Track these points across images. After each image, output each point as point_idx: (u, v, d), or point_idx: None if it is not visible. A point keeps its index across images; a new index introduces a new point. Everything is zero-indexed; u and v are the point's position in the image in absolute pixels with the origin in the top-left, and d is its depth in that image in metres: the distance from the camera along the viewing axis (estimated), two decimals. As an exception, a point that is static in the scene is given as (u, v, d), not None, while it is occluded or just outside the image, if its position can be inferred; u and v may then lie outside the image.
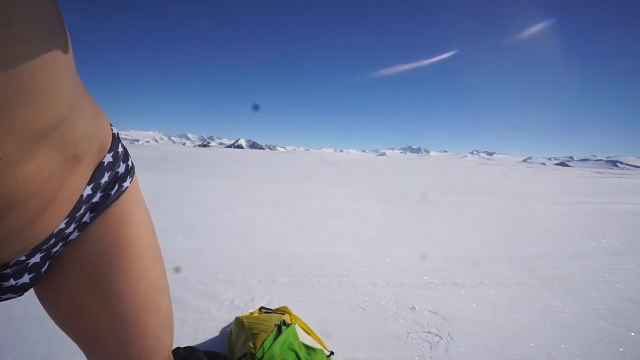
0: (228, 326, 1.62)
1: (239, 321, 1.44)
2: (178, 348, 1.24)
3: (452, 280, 2.41)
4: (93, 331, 0.51)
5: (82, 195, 0.42)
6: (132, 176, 0.52)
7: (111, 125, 0.48)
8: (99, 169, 0.44)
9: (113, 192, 0.48)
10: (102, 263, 0.48)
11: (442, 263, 2.78)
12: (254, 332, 1.30)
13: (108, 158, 0.46)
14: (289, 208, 4.85)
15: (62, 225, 0.41)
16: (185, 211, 4.11)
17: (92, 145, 0.42)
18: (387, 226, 4.17)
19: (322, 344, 1.47)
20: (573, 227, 4.68)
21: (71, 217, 0.42)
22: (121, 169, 0.49)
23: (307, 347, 1.32)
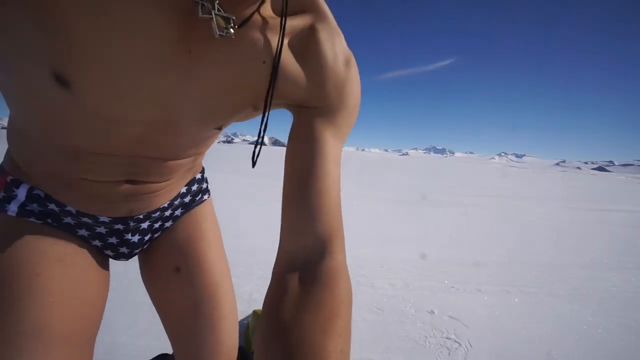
0: (245, 319, 1.66)
1: (256, 314, 1.47)
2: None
3: (474, 287, 2.33)
4: (180, 306, 0.63)
5: (180, 191, 0.63)
6: (209, 195, 0.74)
7: None
8: (193, 180, 0.67)
9: (197, 198, 0.69)
10: (187, 246, 0.64)
11: (463, 267, 2.70)
12: None
13: (198, 176, 0.69)
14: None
15: (165, 206, 0.60)
16: (227, 210, 4.23)
17: (197, 162, 0.62)
18: (406, 228, 4.10)
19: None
20: (604, 237, 4.38)
21: (171, 203, 0.61)
22: (204, 186, 0.72)
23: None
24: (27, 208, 0.48)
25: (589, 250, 3.57)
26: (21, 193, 0.48)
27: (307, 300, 0.33)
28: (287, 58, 0.38)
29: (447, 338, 1.68)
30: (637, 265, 3.12)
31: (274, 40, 0.36)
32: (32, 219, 0.48)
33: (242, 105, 0.41)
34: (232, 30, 0.32)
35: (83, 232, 0.54)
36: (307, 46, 0.39)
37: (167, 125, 0.40)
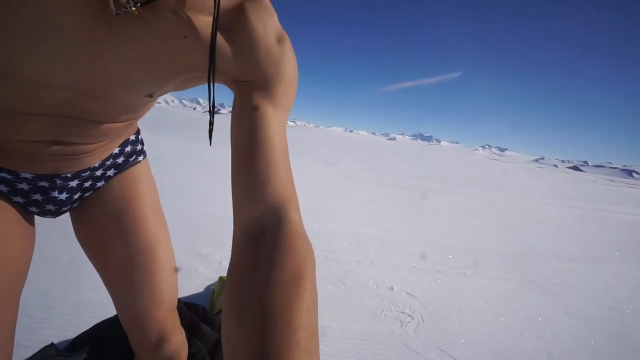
0: (212, 284, 1.72)
1: (222, 280, 1.53)
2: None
3: (435, 268, 2.48)
4: (116, 261, 0.65)
5: (113, 152, 0.64)
6: (145, 156, 0.74)
7: None
8: (127, 142, 0.67)
9: (132, 159, 0.69)
10: (121, 203, 0.66)
11: (428, 250, 2.84)
12: None
13: (132, 137, 0.69)
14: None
15: (96, 166, 0.61)
16: (184, 174, 4.19)
17: (132, 126, 0.64)
18: (380, 210, 4.22)
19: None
20: (566, 230, 4.69)
21: (102, 163, 0.62)
22: (138, 147, 0.71)
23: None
24: None
25: (545, 242, 3.83)
26: None
27: (269, 266, 0.32)
28: (220, 36, 0.39)
29: (402, 312, 1.81)
30: (577, 257, 3.38)
31: (197, 18, 0.37)
32: None
33: (169, 77, 0.42)
34: (133, 8, 0.33)
35: (2, 187, 0.53)
36: (236, 23, 0.40)
37: (93, 91, 0.42)
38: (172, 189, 3.21)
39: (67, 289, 1.47)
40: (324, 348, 1.42)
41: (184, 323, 1.15)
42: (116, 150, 0.64)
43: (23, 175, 0.53)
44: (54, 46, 0.35)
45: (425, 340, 1.58)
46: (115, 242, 0.64)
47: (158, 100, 0.59)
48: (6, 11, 0.31)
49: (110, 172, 0.66)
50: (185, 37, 0.38)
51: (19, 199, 0.56)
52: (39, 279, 1.48)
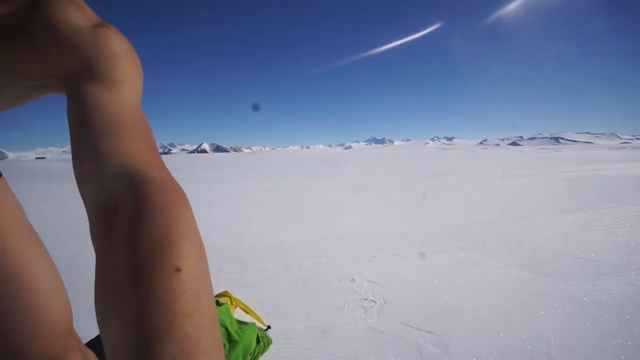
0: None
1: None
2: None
3: (393, 253, 2.58)
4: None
5: None
6: (1, 175, 0.62)
7: None
8: None
9: None
10: None
11: (384, 239, 2.96)
12: (244, 324, 1.34)
13: None
14: (243, 204, 4.85)
15: None
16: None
17: None
18: (335, 213, 4.32)
19: (259, 320, 1.54)
20: (508, 196, 5.14)
21: None
22: None
23: (240, 322, 1.38)
24: None
25: (495, 209, 4.16)
26: None
27: (129, 236, 0.27)
28: (16, 44, 0.37)
29: (364, 299, 1.85)
30: (525, 215, 3.73)
31: None
32: None
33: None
34: None
35: None
36: (32, 22, 0.37)
37: None
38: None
39: None
40: (289, 350, 1.41)
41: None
42: None
43: None
44: None
45: (388, 319, 1.64)
46: None
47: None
48: None
49: None
50: None
51: None
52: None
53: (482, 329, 1.52)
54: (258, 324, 1.49)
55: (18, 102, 0.44)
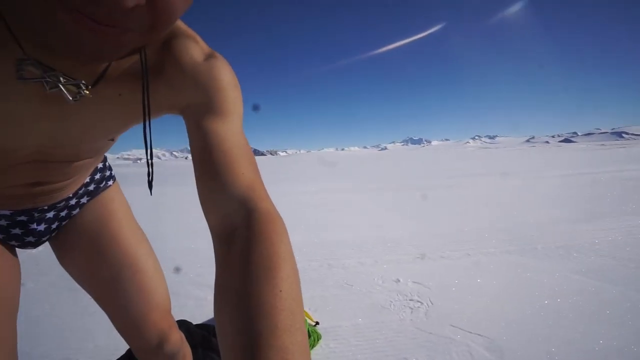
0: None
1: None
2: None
3: (438, 254, 2.52)
4: (103, 279, 0.70)
5: (84, 182, 0.70)
6: (114, 180, 0.80)
7: None
8: (96, 170, 0.73)
9: (102, 185, 0.76)
10: (97, 225, 0.72)
11: (429, 240, 2.89)
12: None
13: (100, 165, 0.75)
14: (284, 205, 4.99)
15: (70, 196, 0.68)
16: (186, 217, 4.26)
17: (100, 157, 0.67)
18: (377, 214, 4.28)
19: (308, 316, 1.60)
20: (563, 197, 4.75)
21: (75, 192, 0.68)
22: (107, 173, 0.77)
23: (291, 317, 1.45)
24: None
25: (547, 210, 3.88)
26: None
27: (241, 261, 0.34)
28: (151, 80, 0.43)
29: (410, 300, 1.84)
30: (583, 217, 3.43)
31: (127, 76, 0.42)
32: None
33: (121, 126, 0.50)
34: (86, 92, 0.37)
35: None
36: (164, 61, 0.44)
37: (56, 147, 0.48)
38: (181, 230, 3.29)
39: (82, 338, 1.50)
40: (337, 346, 1.45)
41: (196, 340, 1.20)
42: (87, 179, 0.71)
43: (1, 212, 0.60)
44: (13, 125, 0.41)
45: (436, 321, 1.61)
46: (99, 261, 0.70)
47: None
48: None
49: (84, 200, 0.72)
50: (120, 95, 0.43)
51: None
52: (54, 334, 1.52)
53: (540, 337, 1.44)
54: (307, 320, 1.55)
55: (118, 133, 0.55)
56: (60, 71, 0.36)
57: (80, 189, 0.69)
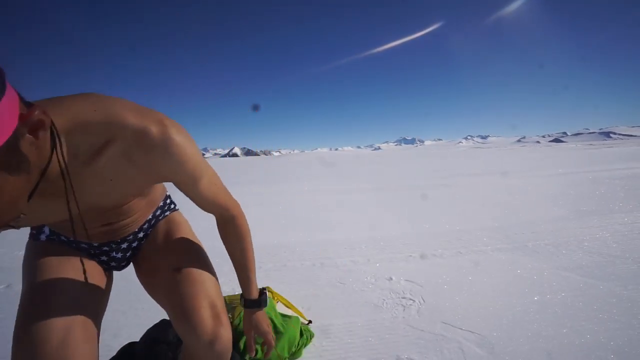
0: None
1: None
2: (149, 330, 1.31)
3: (430, 253, 2.54)
4: (165, 278, 0.83)
5: (147, 218, 0.90)
6: (176, 206, 1.03)
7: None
8: (157, 208, 0.93)
9: (168, 211, 0.97)
10: (169, 236, 0.91)
11: (421, 239, 2.91)
12: (233, 305, 1.43)
13: (161, 203, 0.94)
14: (276, 205, 4.98)
15: (136, 231, 0.88)
16: (187, 216, 4.22)
17: (158, 193, 0.93)
18: (373, 212, 4.30)
19: (301, 315, 1.60)
20: (552, 195, 4.83)
21: (140, 227, 0.89)
22: (167, 207, 0.98)
23: (283, 315, 1.45)
24: (51, 237, 0.82)
25: (537, 208, 3.94)
26: (46, 229, 0.82)
27: (227, 232, 0.85)
28: (120, 168, 0.58)
29: (402, 297, 1.85)
30: (572, 215, 3.49)
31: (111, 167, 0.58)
32: (55, 240, 0.82)
33: (132, 191, 0.72)
34: (21, 217, 0.49)
35: (84, 249, 0.85)
36: (134, 157, 0.57)
37: (95, 205, 0.65)
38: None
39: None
40: (330, 344, 1.45)
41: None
42: (149, 216, 0.90)
43: (93, 244, 0.84)
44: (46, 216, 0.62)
45: (428, 318, 1.63)
46: (164, 259, 0.86)
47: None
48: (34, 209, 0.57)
49: (149, 231, 0.92)
50: (111, 180, 0.61)
51: (95, 258, 0.86)
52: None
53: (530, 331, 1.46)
54: (300, 318, 1.54)
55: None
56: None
57: (144, 224, 0.89)
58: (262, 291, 0.92)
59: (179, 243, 0.90)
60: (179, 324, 0.76)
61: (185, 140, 0.60)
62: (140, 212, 0.84)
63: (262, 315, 0.92)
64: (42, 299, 0.70)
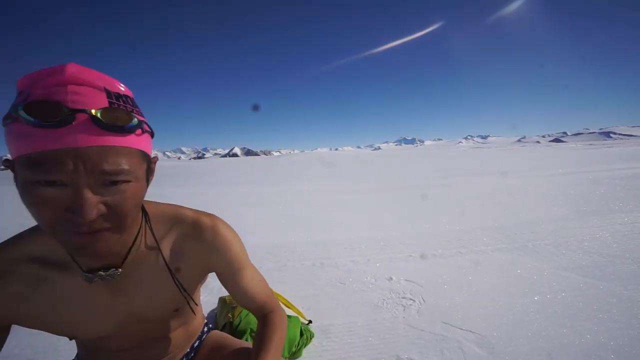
0: (215, 309, 1.74)
1: (222, 299, 1.57)
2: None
3: (431, 252, 2.54)
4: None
5: (192, 346, 0.81)
6: (209, 326, 0.92)
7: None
8: (203, 327, 0.86)
9: (204, 336, 0.86)
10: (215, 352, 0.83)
11: (421, 240, 2.91)
12: (234, 305, 1.43)
13: (204, 327, 0.87)
14: (276, 205, 4.98)
15: (182, 357, 0.78)
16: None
17: (195, 325, 0.82)
18: (373, 212, 4.30)
19: (301, 315, 1.60)
20: (555, 196, 4.83)
21: (183, 357, 0.79)
22: (207, 329, 0.88)
23: (284, 316, 1.45)
24: None
25: (537, 209, 3.94)
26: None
27: (266, 327, 0.73)
28: (183, 261, 0.64)
29: (402, 297, 1.85)
30: (571, 215, 3.49)
31: (167, 260, 0.62)
32: None
33: (171, 301, 0.64)
34: (119, 270, 0.55)
35: None
36: (187, 247, 0.64)
37: (126, 327, 0.63)
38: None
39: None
40: (330, 344, 1.45)
41: None
42: (187, 349, 0.80)
43: None
44: (100, 327, 0.59)
45: (428, 318, 1.63)
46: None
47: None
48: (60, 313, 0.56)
49: (193, 354, 0.82)
50: (166, 271, 0.62)
51: None
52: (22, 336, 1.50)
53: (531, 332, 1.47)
54: (300, 318, 1.55)
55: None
56: (100, 269, 0.55)
57: (187, 349, 0.79)
58: None
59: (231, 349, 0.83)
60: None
61: (231, 232, 0.69)
62: (179, 348, 0.77)
63: None
64: None
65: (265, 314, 0.75)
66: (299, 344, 1.37)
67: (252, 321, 1.32)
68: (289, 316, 1.45)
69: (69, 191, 0.41)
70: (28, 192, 0.40)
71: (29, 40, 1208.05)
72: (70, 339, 0.61)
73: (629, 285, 1.85)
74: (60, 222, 0.41)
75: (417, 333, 1.51)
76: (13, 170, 0.42)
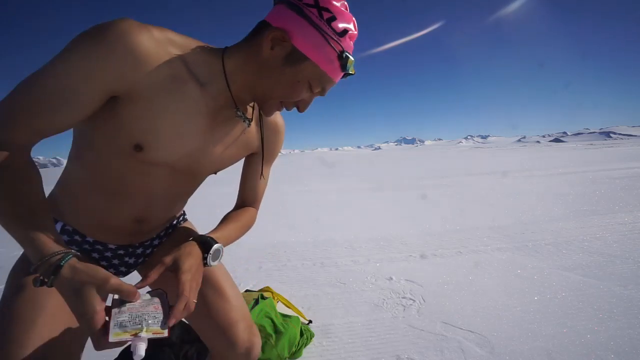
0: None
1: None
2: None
3: (431, 252, 2.54)
4: (205, 307, 0.80)
5: (165, 227, 0.89)
6: (185, 216, 0.99)
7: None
8: (173, 218, 0.91)
9: (182, 221, 0.96)
10: (178, 246, 0.83)
11: (422, 239, 2.91)
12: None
13: (180, 218, 0.95)
14: (276, 205, 4.98)
15: (154, 237, 0.86)
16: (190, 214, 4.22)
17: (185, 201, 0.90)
18: (373, 212, 4.30)
19: (301, 315, 1.60)
20: (556, 195, 4.83)
21: (158, 235, 0.87)
22: (181, 218, 0.96)
23: (284, 316, 1.45)
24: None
25: (537, 208, 3.94)
26: (57, 227, 0.71)
27: (240, 214, 0.83)
28: (263, 133, 0.80)
29: (403, 297, 1.85)
30: (572, 214, 3.49)
31: (252, 130, 0.77)
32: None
33: (236, 158, 0.78)
34: (249, 119, 0.72)
35: (95, 254, 0.78)
36: (274, 129, 0.82)
37: (193, 168, 0.71)
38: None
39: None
40: (330, 344, 1.45)
41: (193, 334, 1.19)
42: (167, 224, 0.88)
43: (110, 246, 0.77)
44: (182, 141, 0.63)
45: (428, 318, 1.63)
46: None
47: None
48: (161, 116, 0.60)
49: (164, 238, 0.90)
50: (244, 133, 0.76)
51: (104, 263, 0.79)
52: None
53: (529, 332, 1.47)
54: (300, 318, 1.55)
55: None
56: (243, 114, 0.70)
57: (161, 231, 0.87)
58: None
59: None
60: (215, 340, 0.80)
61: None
62: (171, 212, 0.82)
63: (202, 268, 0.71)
64: (24, 327, 0.60)
65: (246, 206, 0.86)
66: (299, 343, 1.37)
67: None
68: (289, 316, 1.45)
69: (311, 97, 0.65)
70: (300, 82, 0.60)
71: (29, 39, 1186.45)
72: (138, 151, 0.61)
73: (629, 285, 1.85)
74: (290, 104, 0.65)
75: (417, 333, 1.51)
76: (289, 56, 0.57)
